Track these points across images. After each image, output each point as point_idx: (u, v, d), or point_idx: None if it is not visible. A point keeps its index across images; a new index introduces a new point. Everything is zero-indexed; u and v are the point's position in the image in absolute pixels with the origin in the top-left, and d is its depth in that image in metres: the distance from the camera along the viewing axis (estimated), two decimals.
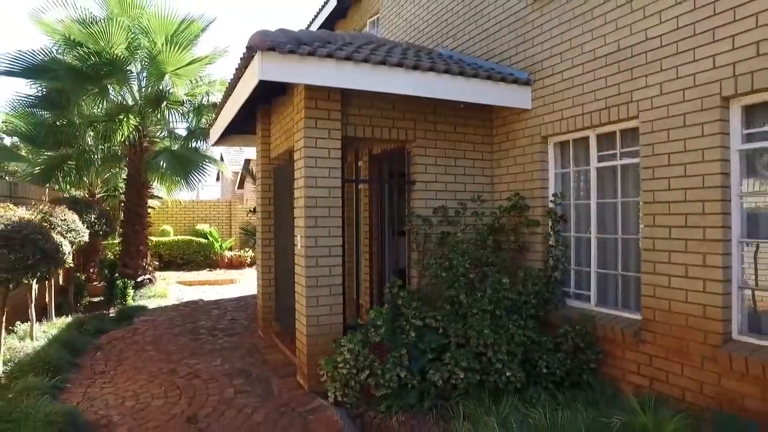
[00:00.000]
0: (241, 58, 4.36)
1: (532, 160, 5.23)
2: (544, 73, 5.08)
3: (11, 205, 4.33)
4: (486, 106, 5.38)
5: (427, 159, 5.37)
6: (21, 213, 4.16)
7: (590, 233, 4.76)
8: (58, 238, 5.18)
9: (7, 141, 20.23)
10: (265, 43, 3.91)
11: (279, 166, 6.36)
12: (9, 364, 4.98)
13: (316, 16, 10.92)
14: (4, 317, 4.75)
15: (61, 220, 6.20)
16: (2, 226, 3.39)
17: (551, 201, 5.05)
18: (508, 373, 4.13)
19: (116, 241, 11.98)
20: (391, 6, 8.38)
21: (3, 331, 4.21)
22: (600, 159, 4.68)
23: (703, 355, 3.62)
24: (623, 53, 4.24)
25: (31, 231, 3.60)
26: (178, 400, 4.48)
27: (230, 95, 5.49)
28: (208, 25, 10.58)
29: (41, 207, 5.81)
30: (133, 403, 4.42)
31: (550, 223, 4.99)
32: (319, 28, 10.74)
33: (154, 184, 11.95)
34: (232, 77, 4.96)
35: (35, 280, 4.59)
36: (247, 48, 4.02)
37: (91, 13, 9.31)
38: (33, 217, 4.37)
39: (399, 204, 6.31)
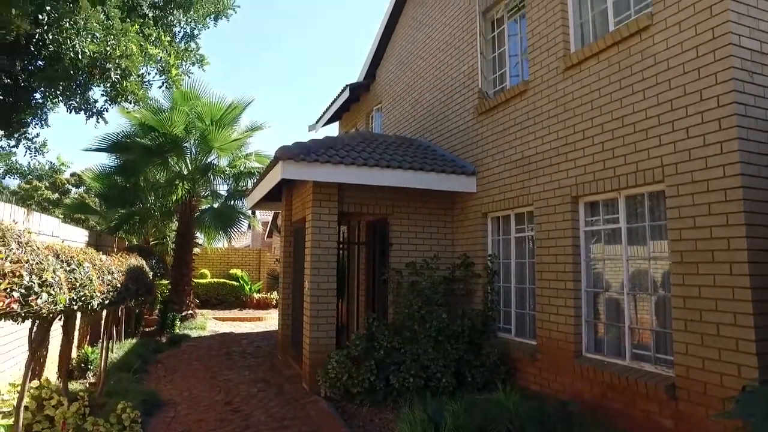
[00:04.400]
0: (270, 162, 6.60)
1: (476, 230, 7.22)
2: (484, 168, 7.14)
3: (126, 255, 6.57)
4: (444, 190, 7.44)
5: (401, 227, 7.43)
6: (133, 261, 6.36)
7: (512, 284, 6.67)
8: None
9: (74, 192, 23.39)
10: (285, 155, 6.14)
11: (297, 228, 8.51)
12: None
13: (335, 100, 13.35)
14: (96, 333, 6.89)
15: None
16: (126, 268, 5.55)
17: (488, 260, 6.99)
18: (444, 380, 6.01)
19: (165, 281, 14.29)
20: (389, 101, 10.74)
21: (113, 341, 6.30)
22: (517, 231, 6.66)
23: (565, 367, 5.43)
24: (524, 160, 6.29)
25: (139, 272, 5.75)
26: (218, 393, 6.49)
27: (262, 180, 7.74)
28: (246, 106, 13.19)
29: (129, 256, 8.05)
30: (188, 394, 6.44)
31: (487, 276, 6.92)
32: (337, 110, 13.23)
33: (198, 234, 14.36)
34: (263, 172, 7.20)
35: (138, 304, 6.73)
36: (274, 157, 6.27)
37: (160, 104, 11.99)
38: (138, 263, 6.57)
39: (383, 258, 8.32)
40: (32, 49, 6.90)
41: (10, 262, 2.53)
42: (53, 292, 2.84)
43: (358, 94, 12.66)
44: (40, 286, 2.69)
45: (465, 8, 8.00)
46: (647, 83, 4.65)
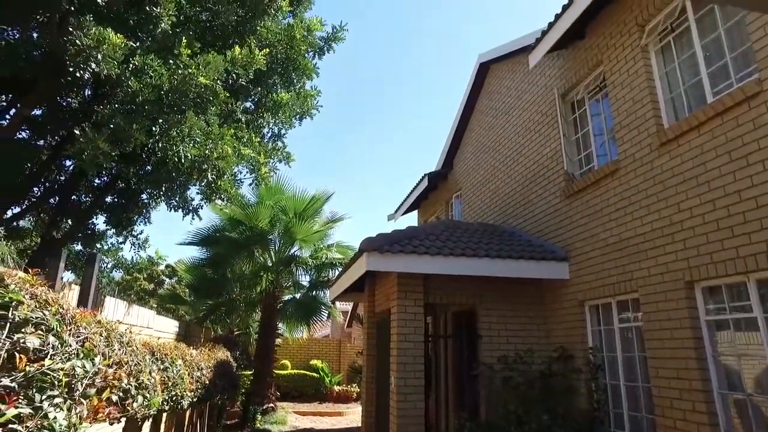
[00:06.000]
0: (354, 254, 6.59)
1: (573, 319, 6.64)
2: (576, 252, 6.70)
3: (215, 348, 6.67)
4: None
5: (490, 318, 7.00)
6: (220, 355, 6.42)
7: (620, 381, 5.93)
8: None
9: (167, 283, 24.87)
10: (370, 247, 6.11)
11: (381, 320, 8.29)
12: None
13: (413, 189, 13.55)
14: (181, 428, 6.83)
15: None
16: (214, 363, 5.57)
17: (590, 353, 6.32)
18: None
19: (247, 372, 14.34)
20: (469, 187, 10.70)
21: None
22: (620, 321, 6.02)
23: None
24: (623, 243, 5.82)
25: (226, 366, 5.75)
26: None
27: (346, 271, 7.74)
28: (328, 199, 13.69)
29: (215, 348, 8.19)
30: None
31: (590, 372, 6.22)
32: (416, 199, 13.36)
33: (280, 325, 14.50)
34: (347, 263, 7.21)
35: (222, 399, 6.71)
36: (359, 250, 6.25)
37: (248, 199, 12.77)
38: (225, 356, 6.62)
39: (472, 351, 7.82)
40: (144, 156, 7.67)
41: (113, 363, 2.53)
42: (148, 395, 2.81)
43: (436, 182, 12.77)
44: (136, 388, 2.68)
45: (542, 93, 8.01)
46: (765, 153, 4.22)
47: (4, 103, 7.73)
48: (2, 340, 1.51)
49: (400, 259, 6.26)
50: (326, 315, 14.61)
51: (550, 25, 6.90)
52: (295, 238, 12.79)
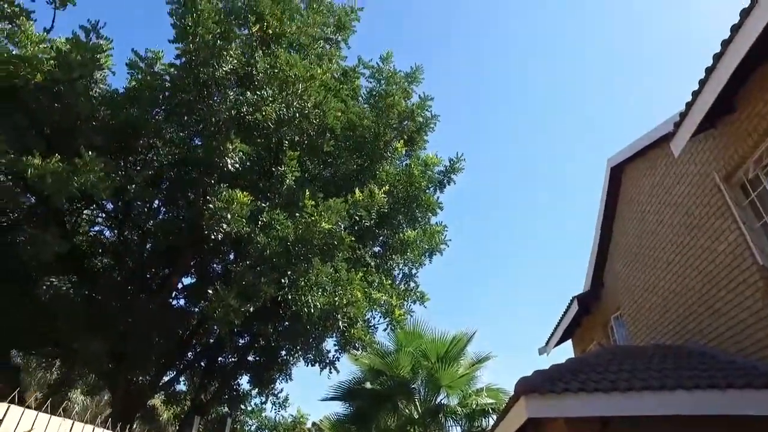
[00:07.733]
0: (509, 399, 5.59)
1: None
2: None
3: None
4: None
5: None
6: None
7: None
8: None
9: None
10: (526, 388, 5.11)
11: None
12: None
13: (563, 316, 12.08)
14: None
15: None
16: None
17: None
18: None
19: None
20: (629, 305, 9.18)
21: None
22: None
23: None
24: None
25: None
26: None
27: (502, 420, 6.57)
28: (470, 339, 12.71)
29: None
30: None
31: None
32: (568, 327, 11.83)
33: None
34: (502, 410, 6.15)
35: None
36: (514, 393, 5.28)
37: (385, 347, 12.34)
38: None
39: None
40: (280, 312, 7.77)
41: None
42: None
43: (587, 305, 11.32)
44: None
45: (696, 182, 6.91)
46: None
47: (167, 273, 8.57)
48: None
49: (566, 400, 5.09)
50: None
51: (689, 105, 6.11)
52: (439, 384, 11.79)
